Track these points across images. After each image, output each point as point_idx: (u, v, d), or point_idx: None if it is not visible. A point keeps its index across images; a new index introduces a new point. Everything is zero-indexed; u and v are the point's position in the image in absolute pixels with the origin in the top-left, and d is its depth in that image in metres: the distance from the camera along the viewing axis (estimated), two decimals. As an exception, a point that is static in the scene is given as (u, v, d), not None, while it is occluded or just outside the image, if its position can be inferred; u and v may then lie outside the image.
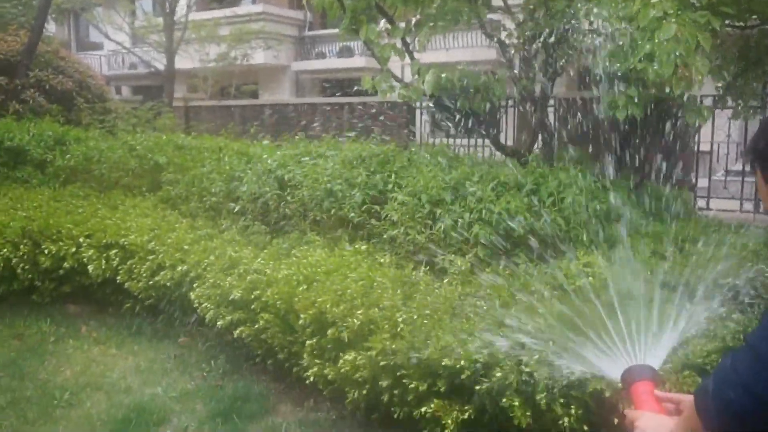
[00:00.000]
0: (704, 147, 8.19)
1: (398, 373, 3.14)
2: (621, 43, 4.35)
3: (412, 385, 3.07)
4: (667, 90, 4.31)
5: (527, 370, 2.74)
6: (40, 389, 4.07)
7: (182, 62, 16.45)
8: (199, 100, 15.15)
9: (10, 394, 3.99)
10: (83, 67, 10.93)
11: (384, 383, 3.20)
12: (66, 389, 4.05)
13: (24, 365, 4.41)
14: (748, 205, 7.73)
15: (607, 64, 4.42)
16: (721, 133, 8.01)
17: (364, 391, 3.31)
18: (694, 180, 8.16)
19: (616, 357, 1.55)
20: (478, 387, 2.86)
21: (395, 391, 3.19)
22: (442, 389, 3.00)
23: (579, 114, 7.17)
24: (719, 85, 6.23)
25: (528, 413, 2.76)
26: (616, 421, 2.69)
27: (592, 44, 4.64)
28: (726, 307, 2.96)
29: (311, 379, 3.56)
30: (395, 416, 3.22)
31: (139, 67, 20.15)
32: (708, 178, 8.20)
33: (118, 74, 23.66)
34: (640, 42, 4.19)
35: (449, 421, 2.92)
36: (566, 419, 2.71)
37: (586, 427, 2.74)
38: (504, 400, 2.79)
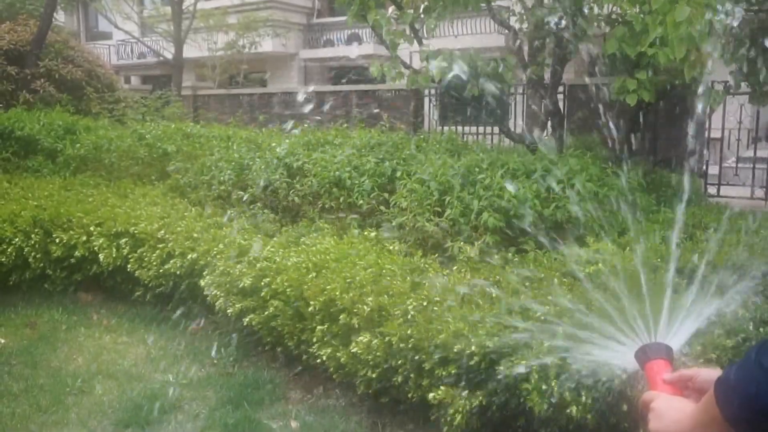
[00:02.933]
0: (715, 134, 8.12)
1: (415, 357, 3.14)
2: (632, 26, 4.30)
3: (428, 367, 3.07)
4: (680, 77, 4.27)
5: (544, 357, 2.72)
6: (52, 377, 4.09)
7: (191, 51, 16.43)
8: (207, 89, 15.15)
9: (23, 382, 4.02)
10: (92, 57, 10.96)
11: (397, 365, 3.20)
12: (78, 377, 4.08)
13: (36, 353, 4.44)
14: (760, 192, 7.66)
15: (618, 48, 4.38)
16: (732, 120, 7.92)
17: (375, 375, 3.31)
18: (704, 167, 8.09)
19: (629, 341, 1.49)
20: (500, 368, 2.84)
21: (412, 375, 3.19)
22: (453, 372, 2.99)
23: (589, 100, 7.12)
24: (732, 70, 6.14)
25: (545, 402, 2.75)
26: (625, 407, 2.68)
27: (603, 28, 4.59)
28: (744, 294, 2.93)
29: (323, 358, 3.56)
30: (409, 397, 3.22)
31: (148, 56, 20.16)
32: (719, 165, 8.13)
33: (127, 64, 23.66)
34: (651, 25, 4.14)
35: (458, 409, 2.92)
36: (574, 408, 2.70)
37: (589, 416, 2.72)
38: (524, 386, 2.78)
